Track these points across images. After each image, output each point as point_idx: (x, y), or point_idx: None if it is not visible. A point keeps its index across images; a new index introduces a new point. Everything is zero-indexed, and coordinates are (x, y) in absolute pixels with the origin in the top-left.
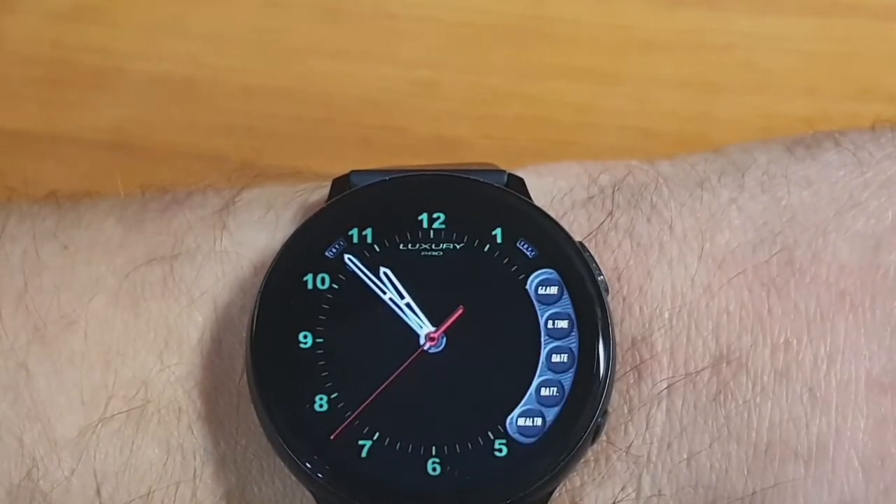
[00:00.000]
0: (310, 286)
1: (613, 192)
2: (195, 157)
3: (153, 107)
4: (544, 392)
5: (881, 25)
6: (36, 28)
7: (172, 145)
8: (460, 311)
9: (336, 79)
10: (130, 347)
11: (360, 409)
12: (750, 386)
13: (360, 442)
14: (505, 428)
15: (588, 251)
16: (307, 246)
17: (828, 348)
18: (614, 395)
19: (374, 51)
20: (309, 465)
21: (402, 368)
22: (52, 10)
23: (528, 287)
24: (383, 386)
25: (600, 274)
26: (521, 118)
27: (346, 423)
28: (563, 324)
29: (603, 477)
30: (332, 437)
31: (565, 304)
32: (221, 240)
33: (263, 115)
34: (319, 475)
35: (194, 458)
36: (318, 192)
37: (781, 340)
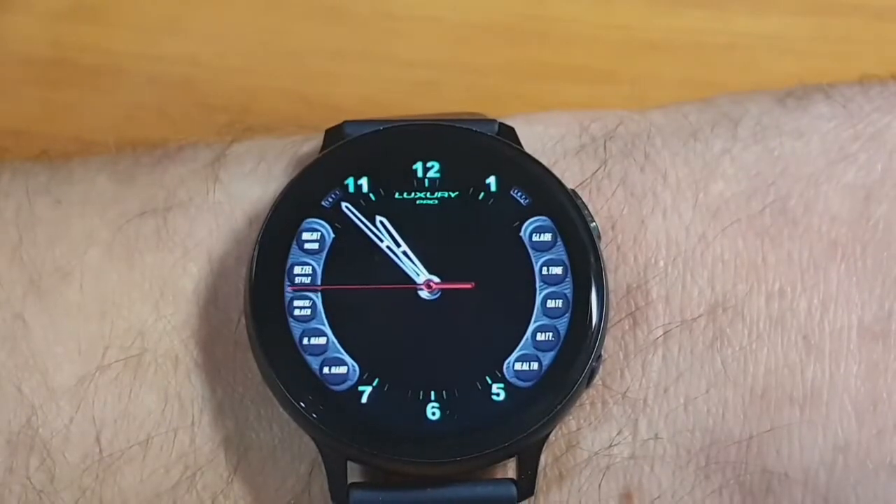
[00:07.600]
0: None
1: (605, 141)
2: None
3: (153, 107)
4: (540, 337)
5: (881, 25)
6: (34, 28)
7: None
8: (470, 286)
9: (336, 79)
10: (126, 298)
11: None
12: (746, 332)
13: (360, 388)
14: (502, 372)
15: (580, 198)
16: (304, 195)
17: (821, 296)
18: (609, 341)
19: (374, 51)
20: (312, 414)
21: (398, 313)
22: (50, 10)
23: (522, 234)
24: (379, 328)
25: (592, 220)
26: None
27: (345, 366)
28: (558, 270)
29: (599, 420)
30: (333, 387)
31: (559, 251)
32: (214, 192)
33: (263, 115)
34: (320, 422)
35: (192, 405)
36: (310, 144)
37: (776, 288)
